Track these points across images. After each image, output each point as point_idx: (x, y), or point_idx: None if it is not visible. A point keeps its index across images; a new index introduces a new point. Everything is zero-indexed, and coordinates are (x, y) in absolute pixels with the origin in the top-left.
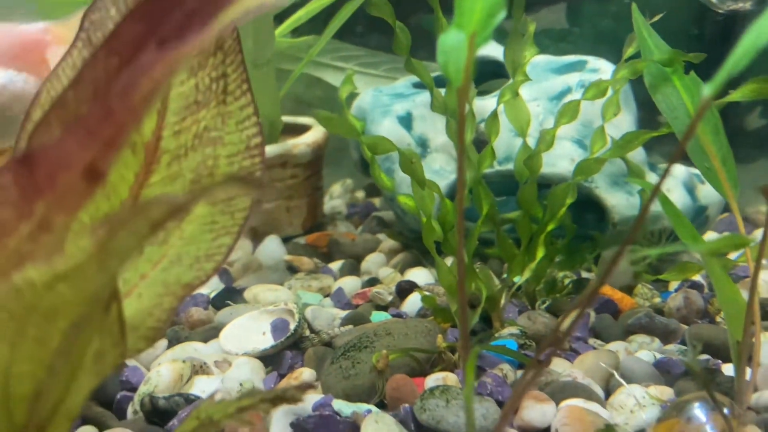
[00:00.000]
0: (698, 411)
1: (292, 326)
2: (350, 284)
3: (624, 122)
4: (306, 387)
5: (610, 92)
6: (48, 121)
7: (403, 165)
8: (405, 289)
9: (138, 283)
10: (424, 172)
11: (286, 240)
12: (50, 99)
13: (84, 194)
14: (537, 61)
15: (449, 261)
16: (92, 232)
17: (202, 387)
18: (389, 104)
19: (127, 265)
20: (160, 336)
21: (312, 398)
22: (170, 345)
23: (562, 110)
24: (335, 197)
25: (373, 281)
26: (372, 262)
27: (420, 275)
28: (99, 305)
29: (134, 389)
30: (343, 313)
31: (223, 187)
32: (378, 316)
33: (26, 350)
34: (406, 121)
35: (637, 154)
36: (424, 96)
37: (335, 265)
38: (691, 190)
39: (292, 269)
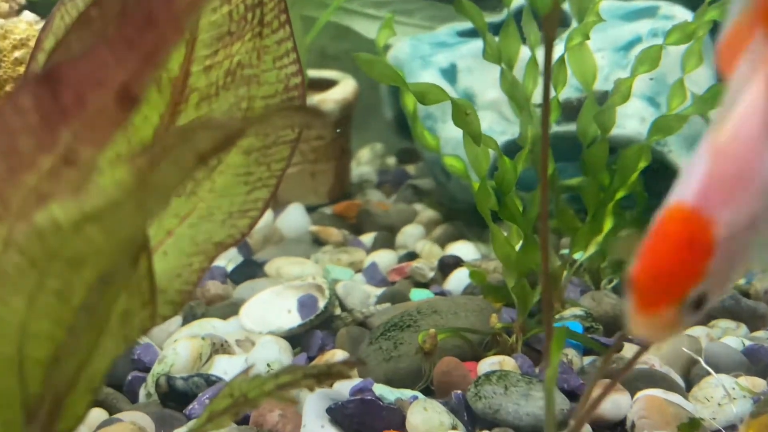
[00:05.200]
0: None
1: (321, 303)
2: (385, 258)
3: (703, 77)
4: (354, 363)
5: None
6: (67, 42)
7: (456, 117)
8: (449, 264)
9: (164, 239)
10: (480, 126)
11: (310, 209)
12: (64, 25)
13: (116, 121)
14: (602, 6)
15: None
16: (131, 161)
17: (223, 367)
18: (430, 54)
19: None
20: (187, 301)
21: (348, 383)
22: (185, 322)
23: (641, 57)
24: (363, 163)
25: (411, 255)
26: (408, 234)
27: (464, 249)
28: (128, 256)
29: (147, 369)
30: (379, 291)
31: (281, 114)
32: (418, 294)
33: (45, 305)
34: (450, 73)
35: None
36: (472, 45)
37: (366, 238)
38: None
39: (318, 241)
